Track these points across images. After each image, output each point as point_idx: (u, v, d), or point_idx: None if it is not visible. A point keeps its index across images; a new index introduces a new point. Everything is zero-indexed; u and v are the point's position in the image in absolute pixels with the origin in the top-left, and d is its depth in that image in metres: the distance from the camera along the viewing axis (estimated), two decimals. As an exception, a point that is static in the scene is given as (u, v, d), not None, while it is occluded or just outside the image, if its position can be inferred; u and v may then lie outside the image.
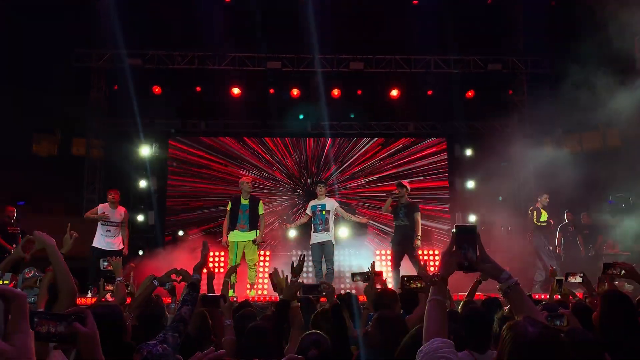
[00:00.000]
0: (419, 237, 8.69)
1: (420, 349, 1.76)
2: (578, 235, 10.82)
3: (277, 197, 14.22)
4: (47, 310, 2.25)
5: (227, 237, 8.65)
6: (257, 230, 8.71)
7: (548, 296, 4.85)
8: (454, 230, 2.02)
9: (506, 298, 1.97)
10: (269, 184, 14.24)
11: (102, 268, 4.97)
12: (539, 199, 10.65)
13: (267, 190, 14.18)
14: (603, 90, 11.40)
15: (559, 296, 4.58)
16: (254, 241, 8.63)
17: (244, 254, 8.68)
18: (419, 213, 8.91)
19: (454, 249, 1.96)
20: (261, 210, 8.81)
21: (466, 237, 1.93)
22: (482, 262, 1.95)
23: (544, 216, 10.46)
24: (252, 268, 8.81)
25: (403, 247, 8.78)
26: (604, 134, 13.76)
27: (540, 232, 10.41)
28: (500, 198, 13.63)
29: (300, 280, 3.98)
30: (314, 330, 3.12)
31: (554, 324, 2.82)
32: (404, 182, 9.30)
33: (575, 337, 2.51)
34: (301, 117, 14.19)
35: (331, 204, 9.10)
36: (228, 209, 8.80)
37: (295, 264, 3.99)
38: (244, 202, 8.69)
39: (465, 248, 1.92)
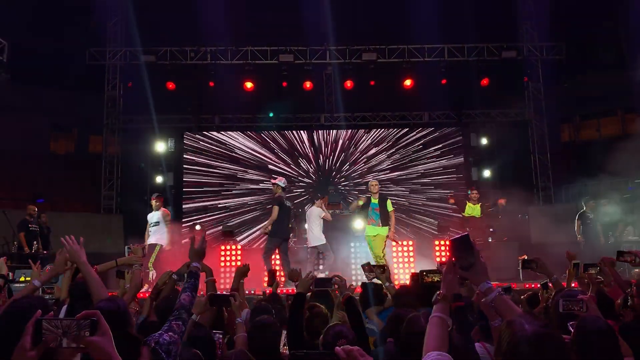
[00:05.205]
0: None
1: None
2: (598, 223, 10.58)
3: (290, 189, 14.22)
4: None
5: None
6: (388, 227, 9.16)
7: (566, 282, 4.76)
8: (449, 243, 2.12)
9: (493, 309, 2.00)
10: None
11: (126, 255, 5.09)
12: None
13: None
14: (621, 75, 11.21)
15: (577, 282, 4.52)
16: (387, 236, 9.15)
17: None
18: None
19: (452, 260, 2.06)
20: (390, 208, 9.28)
21: (461, 246, 2.08)
22: (475, 267, 2.03)
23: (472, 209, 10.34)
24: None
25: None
26: (623, 120, 13.57)
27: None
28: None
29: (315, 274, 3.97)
30: (336, 322, 3.12)
31: (571, 310, 2.77)
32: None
33: (587, 325, 2.45)
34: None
35: None
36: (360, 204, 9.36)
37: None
38: (374, 201, 9.22)
39: (462, 256, 2.06)
